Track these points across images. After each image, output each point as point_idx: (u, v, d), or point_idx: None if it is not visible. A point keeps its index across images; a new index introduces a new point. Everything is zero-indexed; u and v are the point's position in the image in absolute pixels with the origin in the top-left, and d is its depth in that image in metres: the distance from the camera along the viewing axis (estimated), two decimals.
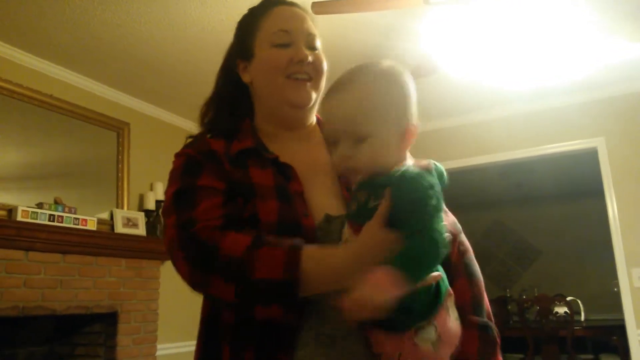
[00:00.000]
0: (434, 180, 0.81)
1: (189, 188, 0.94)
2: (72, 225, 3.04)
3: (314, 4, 2.22)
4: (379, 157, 0.82)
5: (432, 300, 0.82)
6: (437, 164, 0.90)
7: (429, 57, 2.85)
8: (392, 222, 0.77)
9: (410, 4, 2.40)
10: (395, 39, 3.08)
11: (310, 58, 1.02)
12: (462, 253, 1.00)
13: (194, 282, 0.88)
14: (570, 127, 4.02)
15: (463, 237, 1.03)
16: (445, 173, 0.88)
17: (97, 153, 3.57)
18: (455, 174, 4.00)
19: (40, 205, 2.97)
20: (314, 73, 1.03)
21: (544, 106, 4.09)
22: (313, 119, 1.11)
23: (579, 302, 5.72)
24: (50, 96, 3.25)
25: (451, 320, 0.84)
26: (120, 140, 3.69)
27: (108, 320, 3.28)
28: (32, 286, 2.84)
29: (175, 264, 0.91)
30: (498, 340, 0.96)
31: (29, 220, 2.84)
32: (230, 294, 0.85)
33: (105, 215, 3.46)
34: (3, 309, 2.71)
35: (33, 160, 3.21)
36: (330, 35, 2.88)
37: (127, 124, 3.75)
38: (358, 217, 0.83)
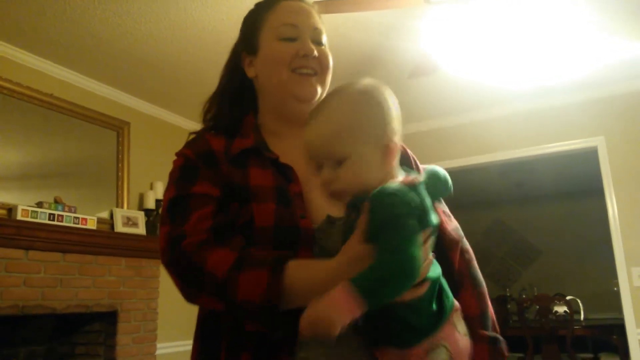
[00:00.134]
0: (416, 197, 0.77)
1: (184, 196, 0.93)
2: (72, 225, 3.04)
3: (314, 3, 2.22)
4: (360, 177, 0.81)
5: (434, 314, 0.81)
6: (441, 170, 0.89)
7: (429, 56, 2.85)
8: (370, 237, 0.76)
9: (410, 3, 2.40)
10: (395, 38, 3.08)
11: (315, 52, 1.01)
12: (467, 262, 0.99)
13: (185, 295, 0.89)
14: (570, 126, 4.02)
15: (466, 244, 1.02)
16: (449, 180, 0.87)
17: (97, 152, 3.57)
18: (455, 173, 3.96)
19: (40, 205, 2.97)
20: (319, 68, 1.03)
21: (544, 105, 4.09)
22: None
23: (579, 301, 5.73)
24: (50, 95, 3.25)
25: (461, 337, 0.83)
26: (120, 139, 3.69)
27: (108, 319, 3.29)
28: (32, 285, 2.84)
29: (168, 273, 0.92)
30: (506, 353, 0.95)
31: (29, 219, 2.84)
32: (220, 308, 0.87)
33: (105, 215, 3.46)
34: (3, 308, 2.71)
35: (33, 160, 3.20)
36: (331, 35, 2.87)
37: (127, 123, 3.75)
38: (344, 234, 0.83)
